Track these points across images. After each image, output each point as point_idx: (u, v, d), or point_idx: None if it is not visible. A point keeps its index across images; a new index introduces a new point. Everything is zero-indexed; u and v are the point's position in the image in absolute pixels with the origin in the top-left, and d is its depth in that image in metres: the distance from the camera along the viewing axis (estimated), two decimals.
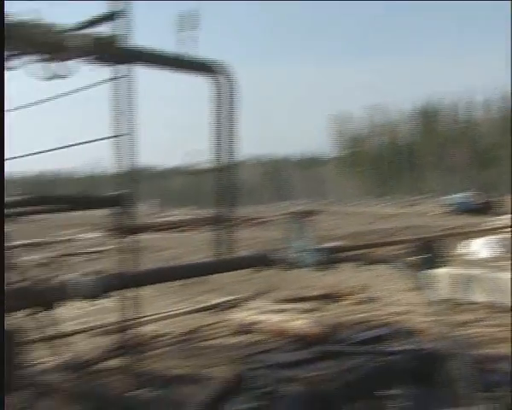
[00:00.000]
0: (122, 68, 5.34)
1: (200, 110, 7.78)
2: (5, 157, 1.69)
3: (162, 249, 17.82)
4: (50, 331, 6.14)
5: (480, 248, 14.17)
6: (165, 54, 5.96)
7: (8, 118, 5.74)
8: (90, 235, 23.81)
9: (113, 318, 8.24)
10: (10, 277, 4.74)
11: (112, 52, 4.99)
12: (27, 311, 4.76)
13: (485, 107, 58.68)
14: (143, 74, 6.09)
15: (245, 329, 7.99)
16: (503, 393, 4.72)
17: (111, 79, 5.26)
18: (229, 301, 10.01)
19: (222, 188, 6.95)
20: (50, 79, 4.75)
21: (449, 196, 36.36)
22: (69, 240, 22.62)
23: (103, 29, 5.30)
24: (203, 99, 6.90)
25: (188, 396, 5.38)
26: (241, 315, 8.60)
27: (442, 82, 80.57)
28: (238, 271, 7.78)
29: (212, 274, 7.51)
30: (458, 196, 35.30)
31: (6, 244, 4.24)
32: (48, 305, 4.32)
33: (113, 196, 5.56)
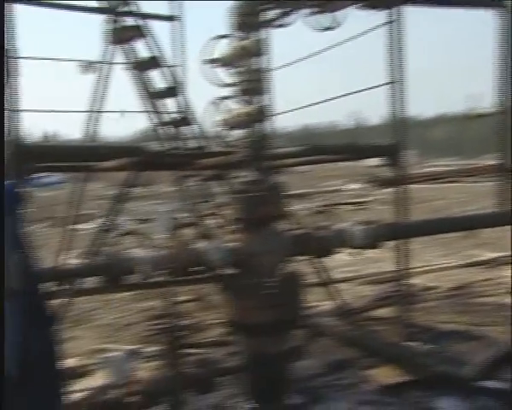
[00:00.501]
0: (393, 12, 5.18)
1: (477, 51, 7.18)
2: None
3: (429, 200, 17.34)
4: (324, 277, 6.44)
5: None
6: None
7: (281, 73, 6.04)
8: (354, 186, 24.29)
9: (381, 268, 8.31)
10: (287, 225, 5.01)
11: None
12: (305, 257, 4.99)
13: None
14: (414, 17, 5.83)
15: None
16: None
17: (382, 25, 5.14)
18: (502, 257, 9.32)
19: (499, 135, 6.38)
20: (324, 30, 4.82)
21: None
22: (336, 190, 23.37)
23: None
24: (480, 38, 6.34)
25: (462, 354, 5.17)
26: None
27: None
28: None
29: (485, 228, 7.03)
30: None
31: (282, 193, 4.46)
32: (324, 252, 4.46)
33: (387, 146, 5.48)
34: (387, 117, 5.56)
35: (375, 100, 6.65)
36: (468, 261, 9.23)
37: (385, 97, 5.46)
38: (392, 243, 5.68)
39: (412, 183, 6.30)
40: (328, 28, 4.81)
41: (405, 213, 5.70)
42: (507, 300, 7.11)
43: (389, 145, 5.47)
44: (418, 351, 5.33)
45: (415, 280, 7.68)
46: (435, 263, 9.18)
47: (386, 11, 5.14)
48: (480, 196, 14.25)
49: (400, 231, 5.46)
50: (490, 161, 15.95)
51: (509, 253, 9.39)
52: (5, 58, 2.07)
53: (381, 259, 8.18)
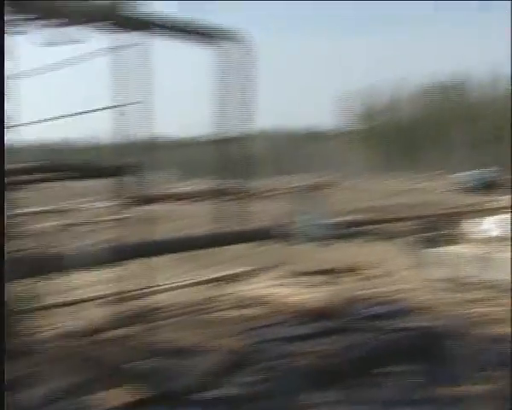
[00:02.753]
0: (132, 36, 5.28)
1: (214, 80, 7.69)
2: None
3: (172, 220, 17.82)
4: (57, 299, 6.21)
5: (491, 226, 14.03)
6: (174, 21, 5.87)
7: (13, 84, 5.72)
8: (98, 204, 23.87)
9: (121, 287, 8.29)
10: (19, 244, 4.76)
11: (120, 19, 4.93)
12: (33, 279, 4.78)
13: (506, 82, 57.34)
14: (159, 43, 6.02)
15: (250, 302, 8.02)
16: (500, 373, 4.71)
17: (118, 47, 5.21)
18: (235, 273, 10.01)
19: (233, 159, 6.91)
20: (55, 45, 4.71)
21: (465, 173, 35.91)
22: (77, 209, 22.69)
23: None
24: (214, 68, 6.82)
25: (191, 367, 5.41)
26: (246, 288, 8.63)
27: (462, 56, 78.43)
28: (246, 243, 7.80)
29: (216, 247, 7.51)
30: (471, 173, 34.92)
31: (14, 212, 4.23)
32: (59, 272, 4.33)
33: (121, 166, 5.53)
34: (124, 137, 5.63)
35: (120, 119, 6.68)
36: (203, 279, 9.68)
37: (122, 118, 5.52)
38: (133, 263, 5.75)
39: (158, 202, 6.48)
40: (61, 43, 4.72)
41: (146, 231, 5.82)
42: (237, 313, 7.68)
43: (121, 165, 5.54)
44: (145, 370, 5.41)
45: (154, 298, 7.83)
46: (173, 281, 9.45)
47: (124, 34, 5.22)
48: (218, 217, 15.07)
49: (138, 250, 5.56)
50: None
51: (239, 270, 10.17)
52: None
53: (124, 278, 8.17)
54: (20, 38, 4.83)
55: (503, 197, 24.10)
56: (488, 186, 31.77)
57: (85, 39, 5.14)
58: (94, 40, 5.41)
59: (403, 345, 5.32)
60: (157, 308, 7.66)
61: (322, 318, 6.73)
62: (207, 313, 7.80)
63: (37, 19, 4.85)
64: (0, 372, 1.64)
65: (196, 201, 26.06)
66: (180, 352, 5.98)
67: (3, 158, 1.70)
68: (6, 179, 4.56)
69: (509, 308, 7.24)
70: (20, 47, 4.65)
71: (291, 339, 5.68)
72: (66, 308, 6.68)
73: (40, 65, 5.74)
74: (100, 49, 5.31)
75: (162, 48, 6.85)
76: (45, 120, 6.05)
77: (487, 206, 19.60)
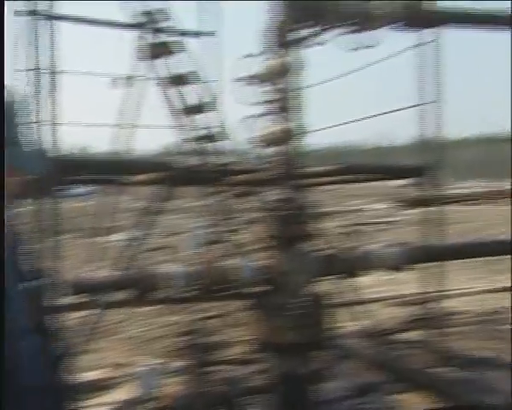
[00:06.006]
0: (430, 33, 5.14)
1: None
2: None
3: (460, 222, 17.06)
4: (352, 298, 6.35)
5: None
6: (476, 12, 5.52)
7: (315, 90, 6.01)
8: (382, 205, 24.05)
9: (411, 290, 8.18)
10: (316, 244, 4.96)
11: (420, 17, 4.82)
12: (332, 277, 4.95)
13: None
14: (453, 38, 5.78)
15: None
16: None
17: (418, 45, 5.11)
18: None
19: None
20: (358, 49, 4.80)
21: None
22: (363, 210, 23.18)
23: None
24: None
25: (495, 382, 5.04)
26: None
27: None
28: None
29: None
30: None
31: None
32: (352, 273, 4.42)
33: (417, 166, 5.42)
34: (420, 137, 5.50)
35: (408, 119, 6.61)
36: (500, 286, 9.03)
37: (419, 118, 5.41)
38: (426, 266, 5.60)
39: (442, 203, 6.23)
40: (363, 47, 4.79)
41: (436, 234, 5.62)
42: None
43: (417, 165, 5.42)
44: (448, 378, 5.21)
45: (447, 303, 7.55)
46: (467, 286, 9.01)
47: (422, 31, 5.10)
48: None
49: (432, 254, 5.39)
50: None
51: None
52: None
53: (416, 281, 8.06)
54: (318, 48, 5.06)
55: None
56: None
57: (382, 41, 5.15)
58: (390, 41, 5.39)
59: None
60: (449, 314, 7.36)
61: None
62: (501, 324, 7.24)
63: (336, 27, 5.02)
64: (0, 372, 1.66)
65: (484, 203, 24.52)
66: (477, 362, 5.64)
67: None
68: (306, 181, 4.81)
69: None
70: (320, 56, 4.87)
71: None
72: (356, 308, 6.81)
73: (340, 71, 5.95)
74: (398, 50, 5.27)
75: (457, 42, 6.55)
76: (338, 125, 6.24)
77: None
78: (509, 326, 7.08)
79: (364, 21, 4.49)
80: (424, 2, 5.09)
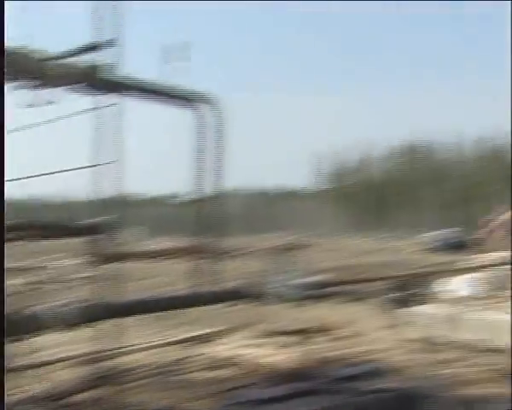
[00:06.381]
0: (108, 97, 5.38)
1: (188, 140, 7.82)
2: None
3: (142, 278, 17.64)
4: (26, 361, 6.06)
5: (460, 286, 14.18)
6: (151, 84, 6.01)
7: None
8: (70, 262, 23.52)
9: (90, 348, 8.13)
10: None
11: (97, 81, 5.03)
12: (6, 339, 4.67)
13: (474, 145, 59.02)
14: (134, 104, 6.14)
15: (222, 363, 7.93)
16: None
17: (95, 108, 5.30)
18: (207, 334, 9.92)
19: (206, 218, 6.97)
20: (34, 106, 4.77)
21: (431, 233, 36.49)
22: (48, 266, 22.32)
23: (91, 57, 5.35)
24: (189, 129, 6.96)
25: None
26: (218, 348, 8.54)
27: (432, 117, 79.92)
28: (218, 303, 7.76)
29: (189, 307, 7.47)
30: (440, 233, 35.50)
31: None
32: (25, 334, 4.26)
33: (94, 224, 5.54)
34: (99, 195, 5.65)
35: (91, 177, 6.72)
36: (174, 339, 9.57)
37: (97, 176, 5.57)
38: (103, 323, 5.67)
39: (123, 260, 6.45)
40: (42, 104, 4.79)
41: (117, 290, 5.77)
42: (209, 375, 7.57)
43: (98, 223, 5.55)
44: None
45: (124, 359, 7.69)
46: (143, 342, 9.31)
47: (101, 96, 5.32)
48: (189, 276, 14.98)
49: (110, 311, 5.50)
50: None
51: (210, 330, 10.08)
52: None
53: (90, 339, 8.03)
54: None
55: (470, 257, 24.48)
56: (454, 247, 32.24)
57: (62, 100, 5.22)
58: (71, 101, 5.50)
59: (376, 406, 5.31)
60: (128, 369, 7.52)
61: (295, 379, 6.68)
62: (180, 375, 7.69)
63: (16, 79, 4.93)
64: (0, 372, 1.61)
65: (167, 259, 25.82)
66: None
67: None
68: None
69: (481, 369, 7.31)
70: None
71: (265, 401, 5.63)
72: (33, 371, 6.52)
73: (20, 124, 5.80)
74: (77, 110, 5.39)
75: (138, 109, 7.00)
76: (23, 178, 6.06)
77: (455, 266, 19.86)
78: (182, 377, 7.57)
79: (42, 79, 4.50)
80: (106, 70, 5.33)
